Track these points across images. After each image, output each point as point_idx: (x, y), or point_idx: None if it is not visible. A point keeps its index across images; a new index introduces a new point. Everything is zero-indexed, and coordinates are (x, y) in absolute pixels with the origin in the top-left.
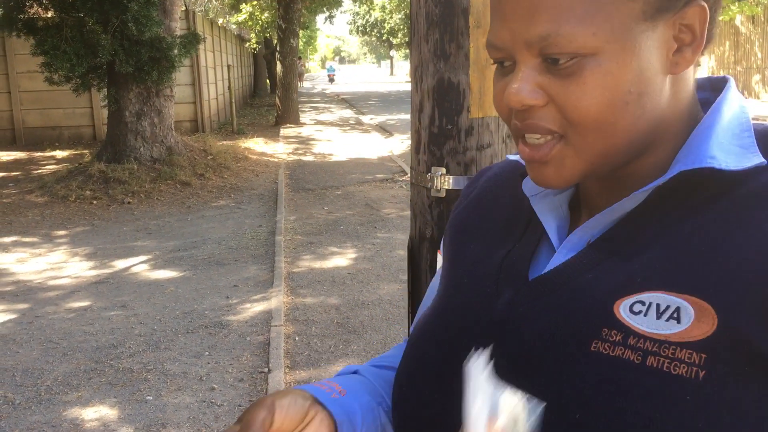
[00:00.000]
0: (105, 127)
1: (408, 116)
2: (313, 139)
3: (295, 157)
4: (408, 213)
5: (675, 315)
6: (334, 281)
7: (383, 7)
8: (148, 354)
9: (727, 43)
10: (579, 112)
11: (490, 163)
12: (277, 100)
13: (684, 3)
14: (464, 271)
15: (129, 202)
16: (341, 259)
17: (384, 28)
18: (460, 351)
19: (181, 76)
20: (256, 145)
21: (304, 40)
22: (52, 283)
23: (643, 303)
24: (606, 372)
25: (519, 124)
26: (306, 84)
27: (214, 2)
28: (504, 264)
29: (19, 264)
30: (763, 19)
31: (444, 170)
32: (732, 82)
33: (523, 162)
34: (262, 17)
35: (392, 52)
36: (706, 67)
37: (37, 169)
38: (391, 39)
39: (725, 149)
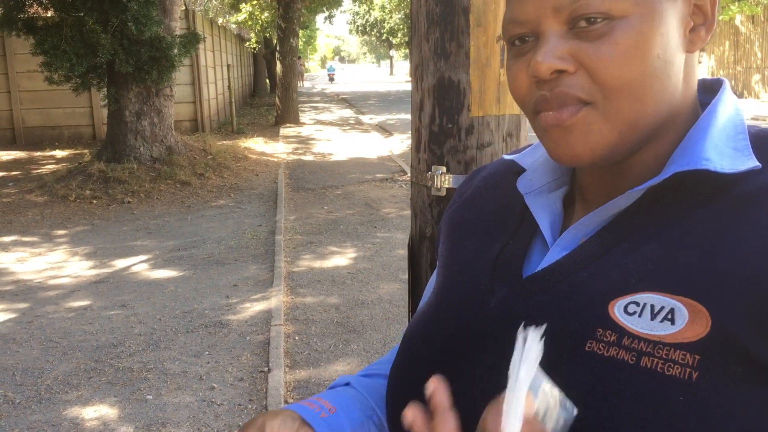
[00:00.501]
0: (105, 126)
1: (408, 116)
2: (313, 139)
3: (295, 157)
4: (408, 212)
5: (669, 316)
6: (334, 281)
7: (383, 7)
8: (148, 353)
9: (727, 42)
10: (613, 73)
11: (491, 162)
12: (277, 99)
13: None
14: (459, 268)
15: (129, 202)
16: (341, 258)
17: (384, 27)
18: (455, 347)
19: (181, 75)
20: (256, 144)
21: (304, 39)
22: (52, 282)
23: (637, 304)
24: (600, 372)
25: (548, 93)
26: (306, 83)
27: (214, 2)
28: (498, 261)
29: (19, 263)
30: (762, 18)
31: (444, 169)
32: (726, 84)
33: (519, 161)
34: (262, 17)
35: (392, 52)
36: (706, 66)
37: (36, 169)
38: (390, 39)
39: (720, 151)
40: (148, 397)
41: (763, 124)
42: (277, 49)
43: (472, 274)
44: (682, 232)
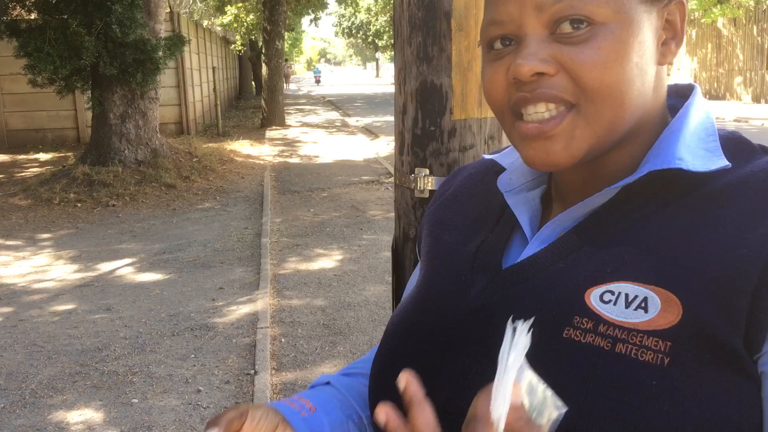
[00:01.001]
0: (89, 129)
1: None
2: (299, 141)
3: (281, 159)
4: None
5: (643, 304)
6: (321, 283)
7: (368, 10)
8: (133, 357)
9: (710, 45)
10: (595, 76)
11: (472, 162)
12: (263, 102)
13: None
14: (440, 261)
15: (114, 205)
16: (327, 261)
17: (369, 30)
18: (437, 337)
19: (166, 78)
20: (242, 147)
21: (290, 42)
22: (36, 286)
23: (612, 292)
24: (577, 358)
25: (528, 95)
26: (292, 86)
27: (199, 4)
28: (478, 254)
29: (2, 267)
30: (744, 21)
31: (427, 171)
32: (698, 90)
33: (499, 161)
34: (248, 19)
35: (378, 55)
36: (689, 69)
37: (20, 172)
38: (376, 41)
39: (692, 152)
40: (134, 400)
41: (745, 126)
42: (263, 51)
43: (453, 266)
44: (655, 226)
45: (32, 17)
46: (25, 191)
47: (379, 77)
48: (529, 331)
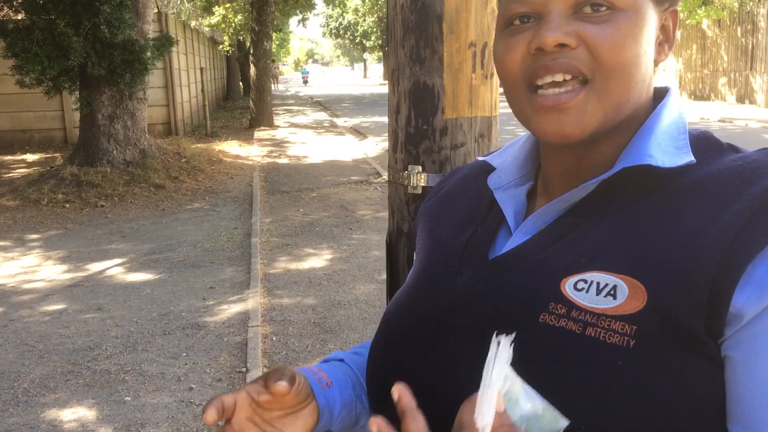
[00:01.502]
0: (76, 130)
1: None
2: (288, 142)
3: (270, 160)
4: (383, 214)
5: (612, 292)
6: (311, 282)
7: (356, 10)
8: (125, 355)
9: (694, 46)
10: (612, 53)
11: (464, 161)
12: (251, 102)
13: (669, 4)
14: (433, 253)
15: (102, 206)
16: (317, 260)
17: (357, 31)
18: (428, 322)
19: (154, 78)
20: (231, 147)
21: (278, 42)
22: (26, 286)
23: (585, 281)
24: (551, 340)
25: (550, 63)
26: (280, 86)
27: (187, 4)
28: (467, 246)
29: None
30: (728, 22)
31: (420, 168)
32: (672, 91)
33: (490, 162)
34: (235, 20)
35: (365, 55)
36: (674, 69)
37: (7, 173)
38: (364, 42)
39: (663, 149)
40: (126, 398)
41: (729, 126)
42: (251, 52)
43: (444, 258)
44: (627, 220)
45: (19, 17)
46: (13, 192)
47: (367, 78)
48: (511, 344)
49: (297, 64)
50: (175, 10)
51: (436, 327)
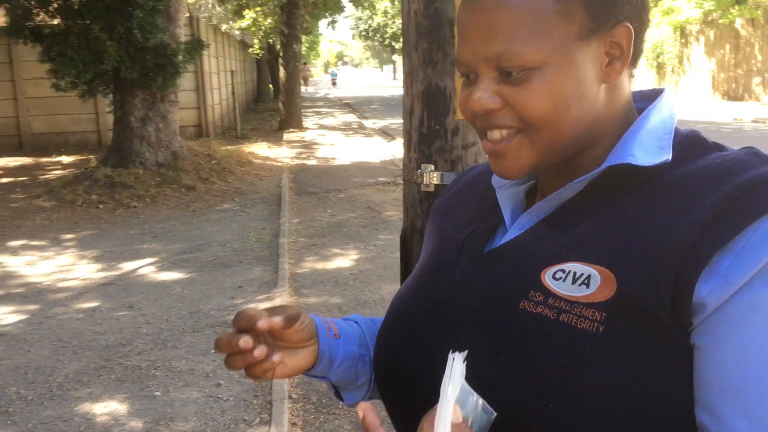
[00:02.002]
0: (110, 132)
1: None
2: (316, 144)
3: (299, 161)
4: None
5: (586, 281)
6: (337, 282)
7: (385, 12)
8: (155, 352)
9: (728, 46)
10: (529, 112)
11: (475, 160)
12: (281, 104)
13: (612, 24)
14: (437, 246)
15: (135, 206)
16: (344, 260)
17: (386, 32)
18: (426, 307)
19: (186, 81)
20: (260, 149)
21: (308, 45)
22: (61, 285)
23: (564, 271)
24: (529, 325)
25: (482, 124)
26: (309, 89)
27: (218, 8)
28: (467, 239)
29: (28, 267)
30: (762, 21)
31: (432, 167)
32: (665, 93)
33: None
34: (265, 23)
35: (395, 57)
36: (706, 70)
37: (43, 174)
38: (393, 44)
39: (645, 149)
40: (157, 393)
41: (763, 127)
42: (281, 54)
43: (445, 250)
44: (607, 215)
45: (55, 23)
46: (49, 193)
47: (396, 80)
48: (464, 361)
49: (327, 66)
50: (206, 14)
51: (433, 314)
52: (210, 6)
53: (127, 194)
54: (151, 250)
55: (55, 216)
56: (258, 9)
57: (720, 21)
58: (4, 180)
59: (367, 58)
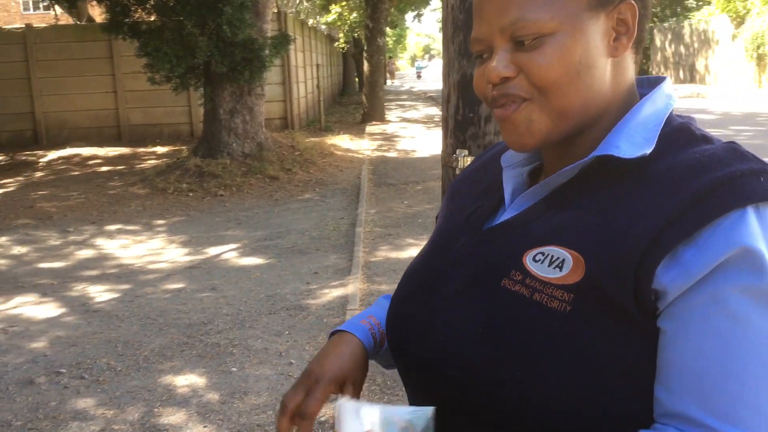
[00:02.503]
0: (201, 124)
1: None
2: (397, 136)
3: (379, 153)
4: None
5: (560, 264)
6: None
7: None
8: (234, 331)
9: None
10: (542, 75)
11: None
12: (364, 98)
13: (619, 0)
14: (444, 222)
15: (221, 195)
16: (417, 249)
17: None
18: (426, 280)
19: (272, 75)
20: (342, 141)
21: (394, 38)
22: (151, 267)
23: (543, 254)
24: (506, 301)
25: (497, 93)
26: (395, 82)
27: (305, 3)
28: (470, 217)
29: (122, 249)
30: None
31: (467, 152)
32: (665, 82)
33: None
34: (351, 17)
35: None
36: None
37: (139, 164)
38: None
39: (632, 141)
40: (233, 369)
41: None
42: (365, 48)
43: (450, 227)
44: (589, 204)
45: (152, 19)
46: (143, 181)
47: None
48: (349, 400)
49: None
50: (294, 9)
51: (432, 286)
52: (297, 2)
53: (214, 183)
54: (235, 236)
55: (148, 203)
56: (344, 3)
57: (647, 23)
58: (104, 168)
59: None
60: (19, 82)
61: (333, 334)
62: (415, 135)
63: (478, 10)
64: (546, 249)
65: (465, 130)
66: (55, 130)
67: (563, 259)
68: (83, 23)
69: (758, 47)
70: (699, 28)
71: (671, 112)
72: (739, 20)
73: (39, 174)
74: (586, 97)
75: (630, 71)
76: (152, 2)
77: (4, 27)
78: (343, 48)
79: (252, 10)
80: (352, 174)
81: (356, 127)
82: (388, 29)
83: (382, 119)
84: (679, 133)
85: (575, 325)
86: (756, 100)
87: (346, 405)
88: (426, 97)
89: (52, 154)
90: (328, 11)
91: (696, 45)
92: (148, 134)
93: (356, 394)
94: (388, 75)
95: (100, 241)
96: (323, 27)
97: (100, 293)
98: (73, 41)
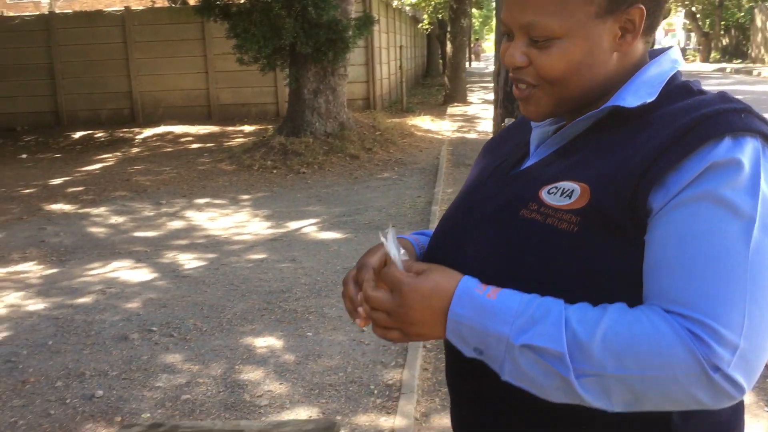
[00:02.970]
0: (286, 104)
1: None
2: (478, 118)
3: (459, 135)
4: None
5: (569, 194)
6: None
7: None
8: (310, 299)
9: None
10: (546, 72)
11: None
12: (446, 79)
13: (627, 5)
14: (477, 171)
15: (304, 172)
16: None
17: None
18: (459, 221)
19: (356, 56)
20: (423, 122)
21: (480, 20)
22: (235, 238)
23: (556, 188)
24: (523, 226)
25: (513, 75)
26: (480, 64)
27: None
28: (498, 167)
29: (209, 221)
30: None
31: (514, 120)
32: (672, 49)
33: None
34: None
35: None
36: None
37: (227, 142)
38: None
39: (636, 94)
40: (308, 334)
41: None
42: (449, 29)
43: (481, 174)
44: (598, 146)
45: (241, 1)
46: (231, 158)
47: None
48: (394, 234)
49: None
50: None
51: (463, 225)
52: None
53: (297, 161)
54: (315, 212)
55: (235, 179)
56: None
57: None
58: (195, 146)
59: None
60: (118, 62)
61: None
62: None
63: (507, 1)
64: (559, 184)
65: (513, 100)
66: (150, 108)
67: (572, 190)
68: (177, 5)
69: None
70: None
71: (675, 73)
72: None
73: (135, 150)
74: (587, 87)
75: (637, 53)
76: None
77: (105, 9)
78: (427, 29)
79: None
80: (431, 154)
81: (438, 109)
82: (474, 10)
83: (464, 101)
84: (679, 89)
85: (582, 242)
86: None
87: (391, 232)
88: None
89: (147, 132)
90: None
91: None
92: (236, 113)
93: None
94: (472, 57)
95: (189, 213)
96: (407, 8)
97: (189, 261)
98: (168, 23)
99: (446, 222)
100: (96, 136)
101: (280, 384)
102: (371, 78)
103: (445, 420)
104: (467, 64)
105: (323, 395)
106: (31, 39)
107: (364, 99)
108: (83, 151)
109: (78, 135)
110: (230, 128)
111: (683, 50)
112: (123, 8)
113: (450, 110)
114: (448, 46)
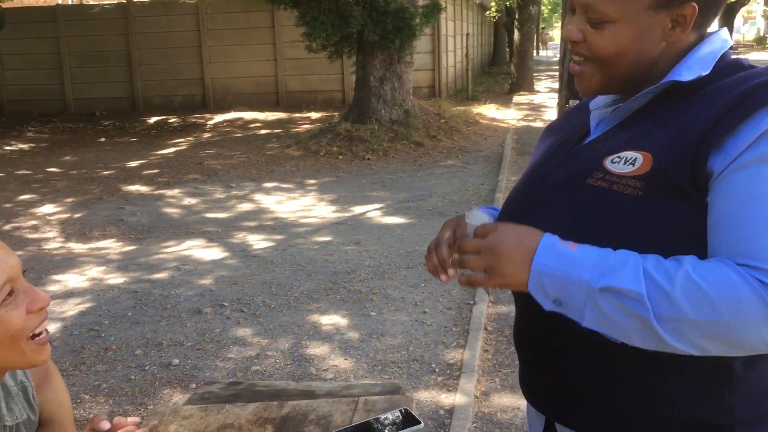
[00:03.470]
0: (352, 91)
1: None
2: (545, 106)
3: (524, 123)
4: None
5: (632, 162)
6: None
7: None
8: (374, 281)
9: None
10: (597, 51)
11: None
12: (513, 67)
13: (681, 1)
14: (541, 152)
15: (369, 159)
16: None
17: None
18: (528, 195)
19: (422, 44)
20: (488, 110)
21: (549, 7)
22: (302, 221)
23: (619, 157)
24: (591, 193)
25: (571, 48)
26: (549, 52)
27: None
28: (562, 144)
29: (277, 204)
30: None
31: (578, 102)
32: (722, 30)
33: None
34: None
35: None
36: None
37: (294, 128)
38: None
39: (691, 70)
40: (372, 313)
41: None
42: (516, 16)
43: (545, 153)
44: (656, 118)
45: None
46: (298, 144)
47: None
48: (477, 208)
49: None
50: None
51: (531, 199)
52: None
53: (362, 147)
54: (379, 197)
55: (302, 164)
56: None
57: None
58: (263, 131)
59: None
60: (191, 50)
61: None
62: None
63: None
64: (621, 153)
65: None
66: (221, 95)
67: (635, 158)
68: None
69: None
70: None
71: (727, 51)
72: None
73: (206, 135)
74: (634, 68)
75: (685, 43)
76: None
77: None
78: (494, 17)
79: None
80: (495, 142)
81: (503, 97)
82: None
83: (530, 89)
84: (731, 65)
85: (646, 205)
86: None
87: (476, 209)
88: None
89: (218, 118)
90: None
91: None
92: (303, 100)
93: None
94: (540, 45)
95: (258, 197)
96: None
97: (258, 241)
98: (239, 11)
99: (514, 196)
100: (169, 121)
101: (345, 359)
102: (437, 66)
103: (504, 399)
104: (534, 52)
105: (386, 371)
106: (110, 27)
107: (430, 87)
108: (157, 136)
109: (153, 120)
110: (297, 115)
111: (763, 38)
112: None
113: (516, 99)
114: (516, 34)
